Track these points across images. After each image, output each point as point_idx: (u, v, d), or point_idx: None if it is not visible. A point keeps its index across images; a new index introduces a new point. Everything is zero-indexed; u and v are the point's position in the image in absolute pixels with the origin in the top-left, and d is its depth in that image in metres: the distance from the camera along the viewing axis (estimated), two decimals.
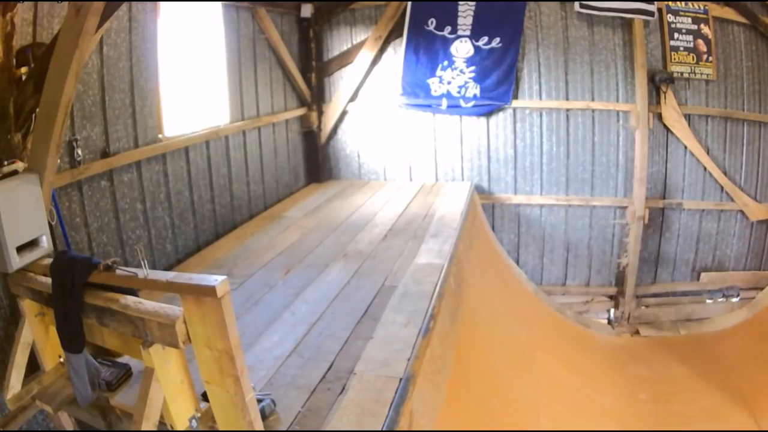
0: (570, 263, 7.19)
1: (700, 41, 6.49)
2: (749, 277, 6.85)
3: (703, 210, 6.86)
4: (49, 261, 2.55)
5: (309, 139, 7.44)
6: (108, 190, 3.91)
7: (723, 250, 6.95)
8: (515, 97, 6.88)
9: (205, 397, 2.22)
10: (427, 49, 6.92)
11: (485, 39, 6.77)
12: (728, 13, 6.42)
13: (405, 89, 7.07)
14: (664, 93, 6.48)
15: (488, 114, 7.00)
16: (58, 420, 2.79)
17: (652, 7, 6.42)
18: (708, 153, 6.66)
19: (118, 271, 2.25)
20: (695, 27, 6.46)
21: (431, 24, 6.87)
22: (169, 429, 2.25)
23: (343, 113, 7.42)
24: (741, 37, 6.49)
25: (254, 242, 5.07)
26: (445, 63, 6.91)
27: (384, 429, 2.40)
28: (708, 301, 6.89)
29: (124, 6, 3.91)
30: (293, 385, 2.78)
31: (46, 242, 2.73)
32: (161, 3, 4.39)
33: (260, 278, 4.20)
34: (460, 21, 6.81)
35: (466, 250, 5.11)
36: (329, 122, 7.43)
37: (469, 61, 6.84)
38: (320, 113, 7.43)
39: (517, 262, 7.14)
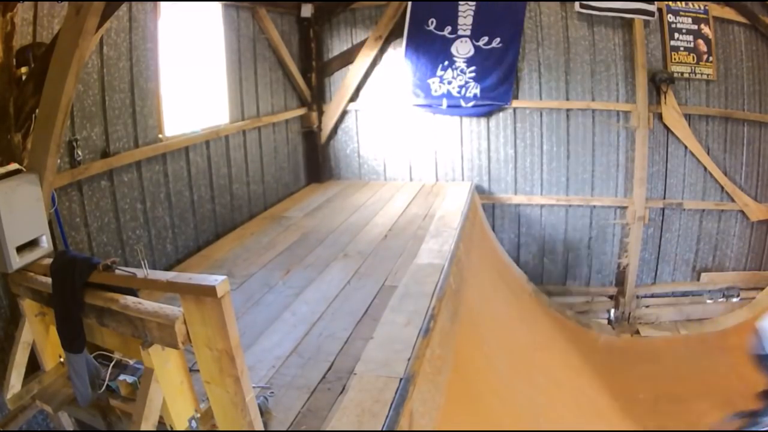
0: (570, 263, 7.19)
1: (700, 41, 6.48)
2: (749, 277, 6.85)
3: (704, 210, 6.85)
4: (49, 261, 2.55)
5: (309, 139, 7.43)
6: (108, 190, 3.91)
7: (723, 250, 6.95)
8: (515, 97, 6.88)
9: None
10: (428, 49, 6.91)
11: (485, 39, 6.76)
12: (728, 13, 6.42)
13: (407, 89, 7.07)
14: (665, 93, 6.48)
15: (488, 114, 7.00)
16: (58, 420, 2.78)
17: (653, 7, 6.42)
18: (708, 153, 6.66)
19: (117, 271, 2.25)
20: (695, 27, 6.46)
21: (431, 24, 6.87)
22: (169, 429, 2.25)
23: (344, 113, 7.42)
24: (741, 37, 6.49)
25: (254, 242, 5.07)
26: (446, 63, 6.90)
27: (384, 429, 2.39)
28: (708, 301, 6.89)
29: (124, 6, 3.92)
30: (293, 385, 2.78)
31: (46, 242, 2.73)
32: (161, 3, 4.38)
33: (260, 278, 4.20)
34: (460, 21, 6.80)
35: (467, 250, 5.11)
36: (329, 122, 7.43)
37: (470, 61, 6.84)
38: (320, 113, 7.43)
39: (517, 262, 7.13)
